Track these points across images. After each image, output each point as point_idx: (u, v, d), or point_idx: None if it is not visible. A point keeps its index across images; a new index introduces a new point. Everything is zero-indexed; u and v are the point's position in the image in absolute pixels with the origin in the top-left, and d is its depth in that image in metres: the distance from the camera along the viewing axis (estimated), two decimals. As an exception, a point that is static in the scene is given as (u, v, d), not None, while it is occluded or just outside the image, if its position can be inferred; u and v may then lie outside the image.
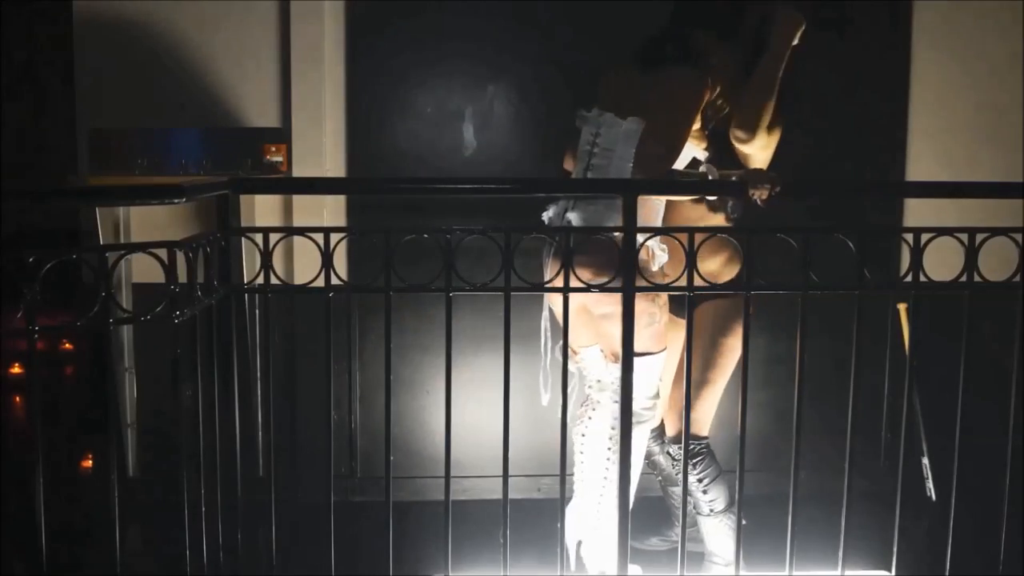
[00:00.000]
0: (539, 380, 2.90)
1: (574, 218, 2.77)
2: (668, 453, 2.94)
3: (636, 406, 2.84)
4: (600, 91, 2.90)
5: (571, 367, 2.92)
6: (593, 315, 2.80)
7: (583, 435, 2.91)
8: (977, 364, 2.49)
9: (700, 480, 2.87)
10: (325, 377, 2.47)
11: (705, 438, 2.89)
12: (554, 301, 2.77)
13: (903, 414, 2.68)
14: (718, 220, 2.82)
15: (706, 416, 2.88)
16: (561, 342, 2.89)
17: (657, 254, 2.68)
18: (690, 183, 2.66)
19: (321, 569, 2.49)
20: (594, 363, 2.85)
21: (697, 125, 2.72)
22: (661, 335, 2.82)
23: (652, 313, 2.78)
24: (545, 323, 2.93)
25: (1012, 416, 2.53)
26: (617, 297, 2.63)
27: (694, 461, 2.86)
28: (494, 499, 2.74)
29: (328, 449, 2.57)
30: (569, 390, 2.91)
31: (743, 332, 2.48)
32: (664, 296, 2.79)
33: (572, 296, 2.41)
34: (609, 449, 2.78)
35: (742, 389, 2.50)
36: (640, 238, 2.60)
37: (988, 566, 2.58)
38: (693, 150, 2.82)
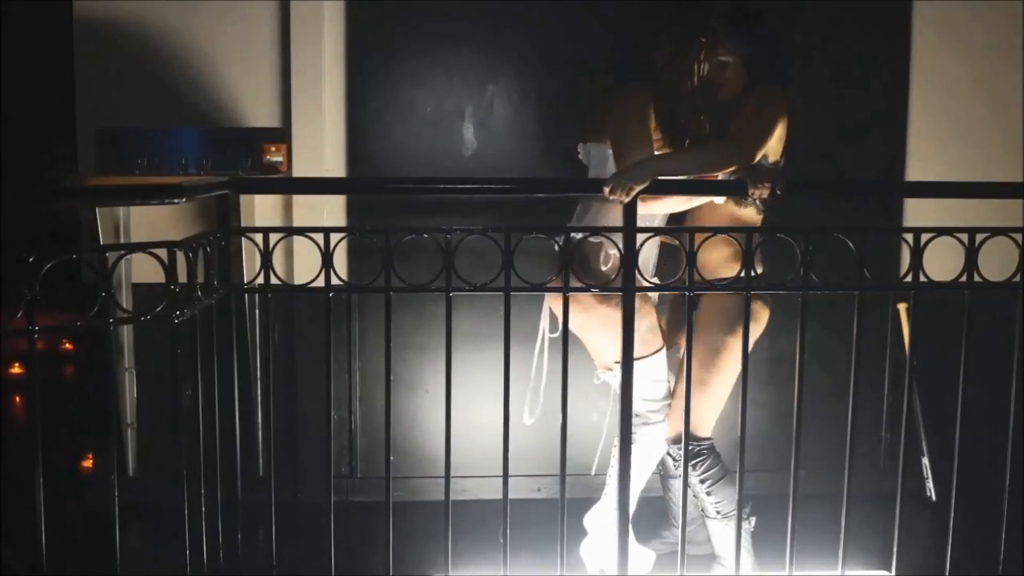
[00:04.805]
0: (526, 399, 2.94)
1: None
2: (668, 454, 2.94)
3: (641, 408, 2.85)
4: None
5: (606, 379, 2.93)
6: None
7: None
8: (977, 364, 2.49)
9: (702, 481, 2.86)
10: (325, 377, 2.47)
11: (706, 439, 2.88)
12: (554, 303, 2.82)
13: (903, 414, 2.68)
14: (749, 212, 2.81)
15: (704, 417, 2.86)
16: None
17: (609, 254, 2.70)
18: (691, 183, 2.66)
19: (321, 569, 2.49)
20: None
21: (657, 136, 2.76)
22: (645, 339, 2.79)
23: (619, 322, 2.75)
24: (543, 334, 2.94)
25: (1012, 416, 2.53)
26: (581, 305, 2.65)
27: (694, 462, 2.85)
28: (494, 499, 2.75)
29: (328, 449, 2.57)
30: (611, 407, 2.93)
31: (743, 332, 2.47)
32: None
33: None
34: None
35: (742, 389, 2.51)
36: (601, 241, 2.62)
37: (988, 566, 2.58)
38: None
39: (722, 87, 2.80)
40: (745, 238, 2.41)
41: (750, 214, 2.80)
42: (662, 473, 3.12)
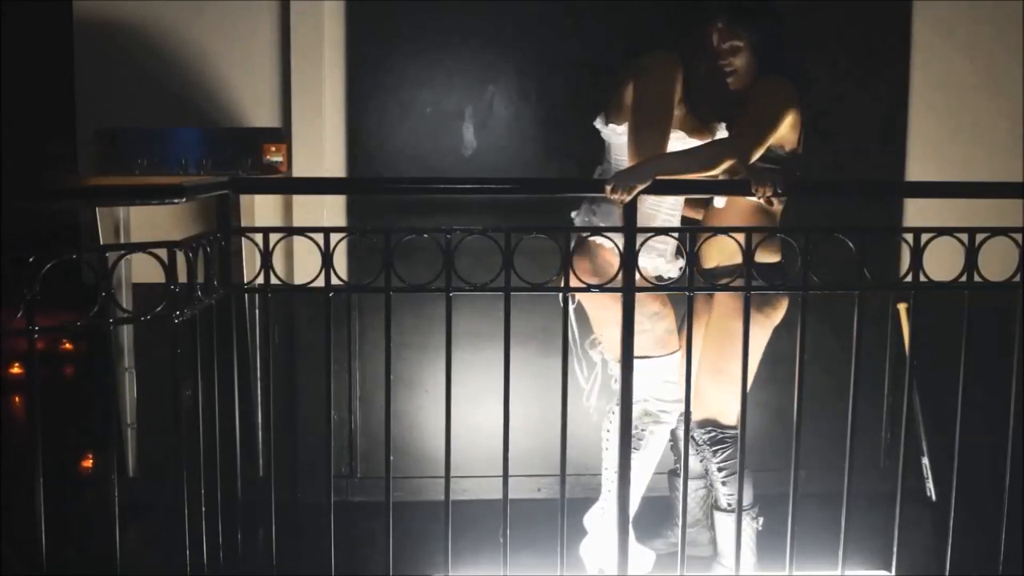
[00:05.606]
0: (577, 373, 2.94)
1: (577, 221, 2.85)
2: (692, 438, 2.92)
3: (650, 407, 2.85)
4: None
5: (596, 357, 2.94)
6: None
7: (608, 430, 2.92)
8: (977, 364, 2.49)
9: (720, 469, 2.85)
10: (325, 377, 2.47)
11: (731, 427, 2.87)
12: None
13: (903, 414, 2.68)
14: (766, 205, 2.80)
15: (728, 405, 2.85)
16: (591, 337, 2.91)
17: (658, 261, 2.71)
18: (692, 182, 2.66)
19: (321, 569, 2.49)
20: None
21: (679, 111, 2.71)
22: (663, 340, 2.81)
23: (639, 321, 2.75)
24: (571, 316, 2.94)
25: (1012, 416, 2.53)
26: (598, 299, 2.64)
27: (715, 448, 2.84)
28: (494, 499, 2.75)
29: (328, 449, 2.57)
30: (592, 381, 2.95)
31: (743, 332, 2.47)
32: (652, 305, 2.78)
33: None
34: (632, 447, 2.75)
35: (742, 389, 2.50)
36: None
37: (988, 566, 2.58)
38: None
39: (732, 74, 2.77)
40: (745, 238, 2.41)
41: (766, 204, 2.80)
42: (672, 469, 3.11)
